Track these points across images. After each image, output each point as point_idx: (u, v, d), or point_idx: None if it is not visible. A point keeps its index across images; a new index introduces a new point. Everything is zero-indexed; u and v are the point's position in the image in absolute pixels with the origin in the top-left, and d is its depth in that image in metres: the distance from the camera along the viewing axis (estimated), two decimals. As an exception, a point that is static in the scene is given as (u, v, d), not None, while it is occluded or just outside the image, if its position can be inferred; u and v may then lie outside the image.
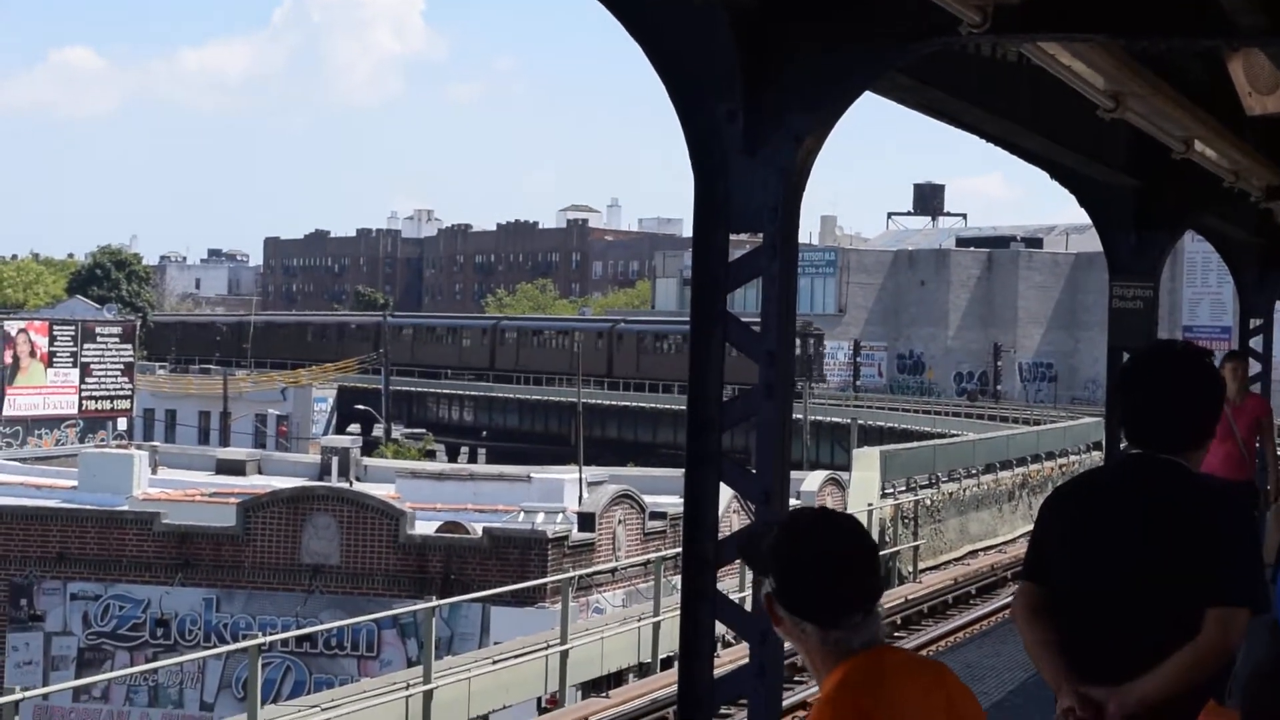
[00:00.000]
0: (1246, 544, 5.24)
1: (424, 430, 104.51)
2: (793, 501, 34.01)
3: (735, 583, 28.13)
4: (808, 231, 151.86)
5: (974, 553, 45.08)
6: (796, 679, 25.54)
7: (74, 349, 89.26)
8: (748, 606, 7.53)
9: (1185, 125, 10.52)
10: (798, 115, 7.26)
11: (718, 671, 7.48)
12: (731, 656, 18.93)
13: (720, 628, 7.63)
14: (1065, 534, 5.46)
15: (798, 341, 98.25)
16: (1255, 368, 20.82)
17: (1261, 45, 8.09)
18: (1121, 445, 6.14)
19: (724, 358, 7.59)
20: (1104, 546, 5.35)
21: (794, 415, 72.65)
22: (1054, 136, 11.71)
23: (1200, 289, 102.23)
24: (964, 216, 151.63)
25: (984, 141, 11.79)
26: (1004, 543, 46.64)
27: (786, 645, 6.85)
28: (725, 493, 7.60)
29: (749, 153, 7.27)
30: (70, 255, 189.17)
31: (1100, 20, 7.17)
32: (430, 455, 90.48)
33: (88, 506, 43.86)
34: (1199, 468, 5.50)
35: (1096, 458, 53.35)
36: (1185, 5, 6.63)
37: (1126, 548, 5.31)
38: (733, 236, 7.48)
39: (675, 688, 7.62)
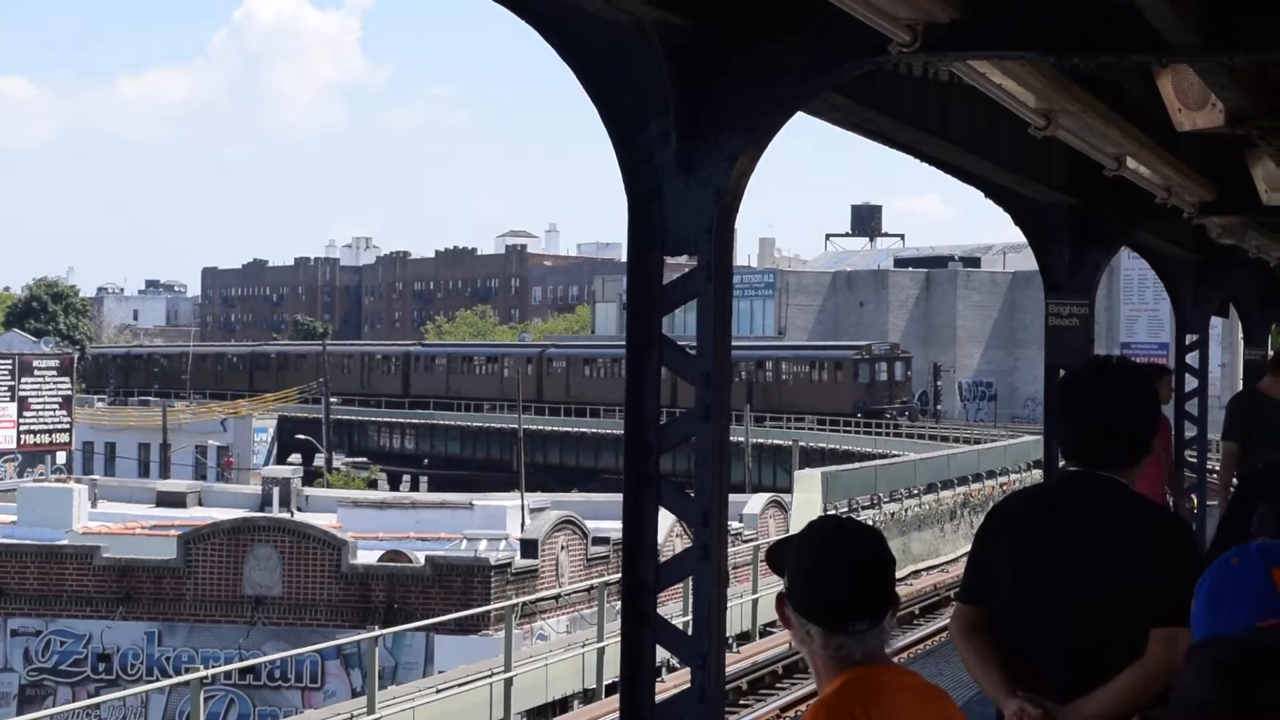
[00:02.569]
0: (1189, 562, 5.23)
1: (365, 459, 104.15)
2: (734, 524, 33.93)
3: (678, 606, 28.08)
4: (746, 254, 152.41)
5: (917, 573, 45.14)
6: (741, 703, 25.53)
7: (11, 383, 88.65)
8: (689, 631, 7.50)
9: (1117, 142, 10.56)
10: (731, 135, 7.25)
11: (660, 697, 7.45)
12: (675, 681, 18.89)
13: (663, 653, 7.59)
14: (1007, 554, 5.45)
15: (885, 366, 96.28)
16: (1191, 383, 20.98)
17: (1191, 62, 8.13)
18: (1060, 463, 6.16)
19: (660, 380, 7.58)
20: (1047, 566, 5.35)
21: (735, 437, 72.16)
22: (988, 155, 11.75)
23: (1137, 306, 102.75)
24: (901, 237, 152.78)
25: (920, 162, 11.82)
26: (946, 562, 46.73)
27: (728, 670, 6.80)
28: (668, 518, 7.58)
29: (683, 173, 7.26)
30: (6, 288, 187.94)
31: (1029, 38, 7.19)
32: (373, 485, 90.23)
33: (26, 541, 43.58)
34: (1136, 484, 5.50)
35: (1037, 475, 53.53)
36: (1114, 22, 6.66)
37: (1070, 567, 5.31)
38: (668, 260, 7.47)
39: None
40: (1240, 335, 30.11)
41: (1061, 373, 13.18)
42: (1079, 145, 10.51)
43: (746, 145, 7.28)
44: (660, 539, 7.87)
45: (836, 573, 4.08)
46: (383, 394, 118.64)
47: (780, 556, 4.22)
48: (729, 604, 26.29)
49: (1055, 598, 5.33)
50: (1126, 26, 6.68)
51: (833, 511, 44.66)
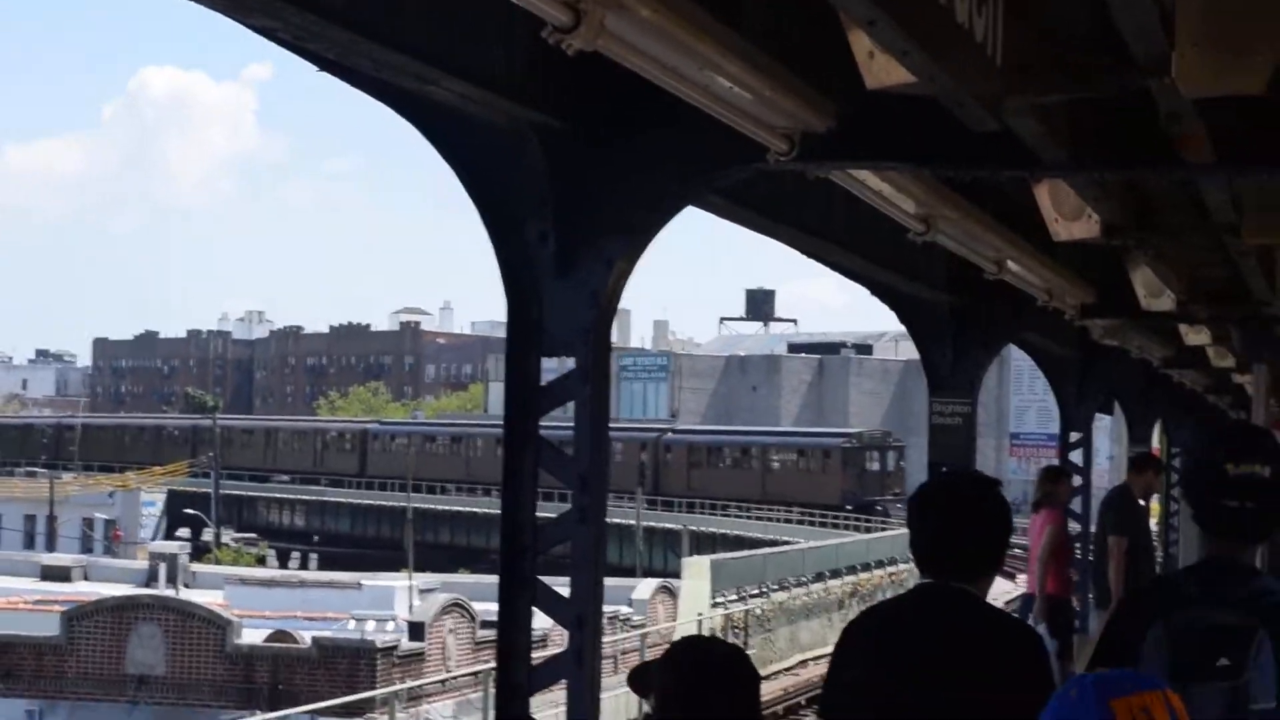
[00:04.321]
0: (1041, 677, 5.25)
1: (254, 535, 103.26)
2: (623, 609, 33.63)
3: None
4: (640, 336, 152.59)
5: (804, 662, 45.17)
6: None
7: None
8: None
9: (996, 247, 10.66)
10: (610, 237, 7.27)
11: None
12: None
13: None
14: (861, 671, 5.45)
15: (877, 455, 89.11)
16: (1075, 480, 21.13)
17: (1063, 177, 8.24)
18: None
19: (537, 481, 7.59)
20: (900, 682, 5.35)
21: (628, 520, 71.64)
22: (869, 255, 11.83)
23: (1027, 396, 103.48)
24: (795, 322, 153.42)
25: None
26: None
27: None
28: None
29: (561, 275, 7.28)
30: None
31: (906, 150, 7.26)
32: (262, 561, 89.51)
33: (-96, 617, 42.99)
34: (986, 595, 5.52)
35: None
36: (988, 138, 6.72)
37: (922, 683, 5.32)
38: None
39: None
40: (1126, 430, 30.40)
41: (944, 470, 13.29)
42: (959, 249, 10.60)
43: (625, 248, 7.31)
44: (549, 625, 7.88)
45: (701, 694, 4.10)
46: (338, 473, 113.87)
47: (644, 679, 4.23)
48: (616, 693, 26.20)
49: (909, 714, 5.33)
50: (1000, 142, 6.74)
51: (721, 599, 44.64)
